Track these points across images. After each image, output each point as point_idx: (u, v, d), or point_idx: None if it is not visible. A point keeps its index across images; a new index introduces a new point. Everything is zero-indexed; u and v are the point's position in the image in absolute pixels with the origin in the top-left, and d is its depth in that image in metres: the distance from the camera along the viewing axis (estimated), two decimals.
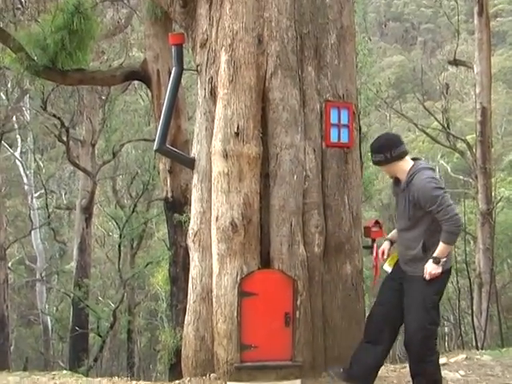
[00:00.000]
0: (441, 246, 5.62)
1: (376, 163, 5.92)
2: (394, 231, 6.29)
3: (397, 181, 5.96)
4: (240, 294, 6.00)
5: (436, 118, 24.10)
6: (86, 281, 20.74)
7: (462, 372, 6.67)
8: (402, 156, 5.79)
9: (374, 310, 6.12)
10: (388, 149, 5.76)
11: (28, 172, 27.62)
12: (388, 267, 6.17)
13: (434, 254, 5.63)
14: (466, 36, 34.55)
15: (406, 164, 5.80)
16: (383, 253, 6.21)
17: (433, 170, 6.02)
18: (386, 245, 6.25)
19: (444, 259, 5.66)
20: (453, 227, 5.57)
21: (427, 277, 5.67)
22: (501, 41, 56.42)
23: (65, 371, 7.86)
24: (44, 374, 7.09)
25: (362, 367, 5.98)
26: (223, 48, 6.26)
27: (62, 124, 20.17)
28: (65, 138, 20.33)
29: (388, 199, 38.82)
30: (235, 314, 6.04)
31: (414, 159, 5.93)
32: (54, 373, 7.20)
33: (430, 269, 5.65)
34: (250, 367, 6.04)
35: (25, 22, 14.24)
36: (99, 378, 6.75)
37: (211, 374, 6.30)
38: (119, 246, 22.38)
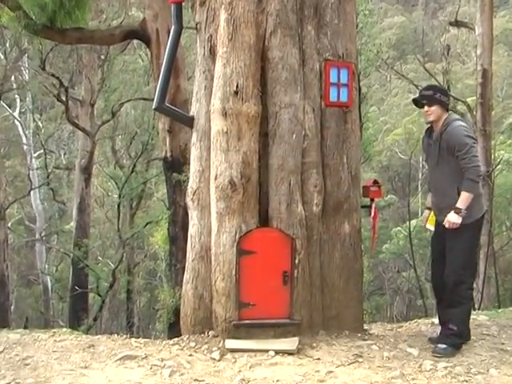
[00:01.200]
0: (462, 195, 6.01)
1: (439, 102, 6.26)
2: (429, 197, 6.55)
3: (430, 132, 6.41)
4: (238, 252, 6.03)
5: (437, 80, 23.98)
6: (85, 241, 20.76)
7: None
8: (447, 106, 6.34)
9: (434, 269, 6.60)
10: (444, 93, 6.38)
11: (27, 132, 27.49)
12: (430, 226, 6.58)
13: (457, 204, 5.91)
14: None
15: (445, 114, 6.28)
16: (425, 219, 6.72)
17: (465, 122, 6.38)
18: (426, 213, 6.79)
19: (465, 210, 5.99)
20: (474, 175, 5.96)
21: (447, 225, 6.05)
22: (503, 2, 55.85)
23: (64, 329, 7.92)
24: (44, 331, 7.13)
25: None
26: (223, 6, 6.21)
27: (61, 84, 20.03)
28: (64, 98, 20.20)
29: (387, 161, 38.87)
30: (234, 272, 6.07)
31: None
32: (53, 330, 7.24)
33: (451, 219, 6.03)
34: (249, 325, 6.09)
35: None
36: (98, 336, 6.80)
37: (210, 332, 6.35)
38: (118, 206, 22.37)
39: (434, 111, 6.24)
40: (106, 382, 5.06)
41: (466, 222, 6.02)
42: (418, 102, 6.42)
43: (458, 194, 6.00)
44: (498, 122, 34.03)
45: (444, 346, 6.06)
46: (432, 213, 6.48)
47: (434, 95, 6.25)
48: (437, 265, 6.45)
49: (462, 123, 6.19)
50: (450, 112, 6.46)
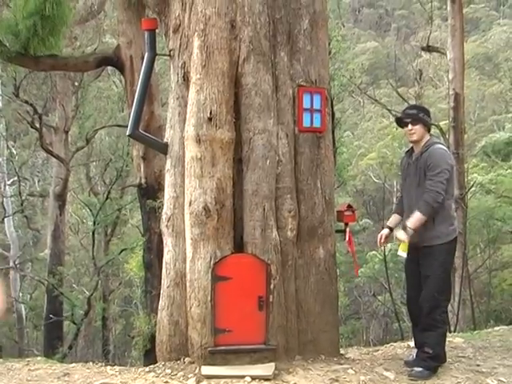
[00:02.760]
0: (414, 215, 6.05)
1: (423, 121, 6.35)
2: (392, 218, 6.64)
3: (410, 153, 6.48)
4: (214, 278, 6.03)
5: (409, 104, 24.22)
6: (60, 268, 20.57)
7: None
8: (429, 126, 6.47)
9: (409, 294, 6.63)
10: (427, 113, 6.45)
11: (0, 159, 27.33)
12: (403, 253, 6.45)
13: (407, 222, 6.06)
14: (439, 22, 34.68)
15: (427, 135, 6.38)
16: (381, 238, 6.64)
17: (445, 147, 6.50)
18: (385, 231, 6.67)
19: (411, 231, 6.05)
20: (430, 199, 6.00)
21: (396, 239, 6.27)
22: (474, 27, 56.72)
23: (39, 358, 7.87)
24: (18, 360, 7.09)
25: None
26: (196, 33, 6.26)
27: (35, 111, 19.97)
28: (38, 125, 20.12)
29: (362, 185, 39.07)
30: (209, 298, 6.07)
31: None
32: (28, 359, 7.21)
33: (398, 235, 6.26)
34: (224, 351, 6.07)
35: None
36: (73, 364, 6.76)
37: (185, 359, 6.32)
38: (93, 233, 22.25)
39: (417, 130, 6.31)
40: None
41: (438, 242, 6.08)
42: (400, 121, 6.49)
43: (433, 218, 6.07)
44: (471, 145, 34.35)
45: (420, 369, 6.09)
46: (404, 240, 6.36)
47: (418, 114, 6.35)
48: (411, 288, 6.49)
49: (444, 147, 6.34)
50: (431, 134, 6.54)
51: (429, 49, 22.31)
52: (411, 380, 5.98)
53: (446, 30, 20.51)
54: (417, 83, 25.91)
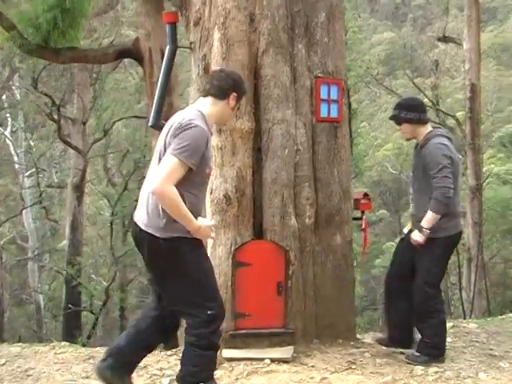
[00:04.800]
0: (427, 214, 5.99)
1: (407, 120, 6.23)
2: None
3: (417, 144, 6.36)
4: (234, 264, 6.20)
5: (426, 95, 24.29)
6: (78, 259, 20.81)
7: (448, 339, 6.87)
8: (427, 121, 6.34)
9: (390, 269, 6.63)
10: (412, 109, 6.23)
11: (19, 151, 27.57)
12: (405, 229, 6.71)
13: (421, 223, 5.96)
14: (456, 12, 34.53)
15: (427, 129, 6.24)
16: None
17: (449, 138, 6.31)
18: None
19: (427, 230, 5.98)
20: (441, 196, 5.91)
21: (412, 242, 6.11)
22: (491, 17, 56.38)
23: (63, 342, 8.07)
24: (43, 345, 7.30)
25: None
26: (216, 26, 6.42)
27: (53, 102, 20.17)
28: (56, 117, 20.34)
29: (378, 176, 39.10)
30: (229, 283, 6.24)
31: (434, 127, 6.46)
32: (53, 344, 7.41)
33: (413, 236, 6.12)
34: (245, 335, 6.23)
35: (16, 1, 14.25)
36: (98, 348, 6.97)
37: None
38: (111, 224, 22.48)
39: (404, 129, 6.29)
40: None
41: (435, 236, 6.02)
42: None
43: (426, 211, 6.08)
44: (488, 135, 34.30)
45: (418, 354, 6.17)
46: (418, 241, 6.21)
47: (399, 115, 6.25)
48: (395, 265, 6.53)
49: (443, 140, 6.12)
50: (436, 126, 6.56)
51: (445, 39, 22.40)
52: (409, 363, 6.07)
53: (463, 20, 20.55)
54: (433, 74, 25.92)
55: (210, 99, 4.92)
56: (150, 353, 5.16)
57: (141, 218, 4.76)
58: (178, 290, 4.81)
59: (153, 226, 4.67)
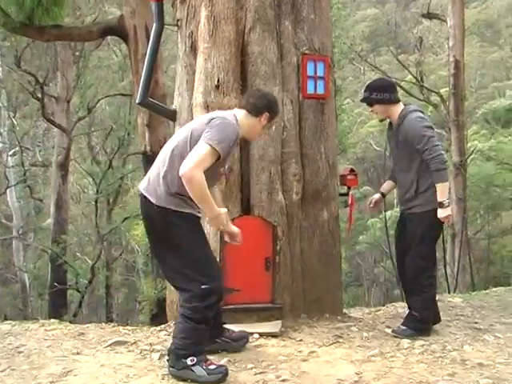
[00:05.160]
0: (437, 188, 6.04)
1: (378, 101, 6.26)
2: (386, 184, 6.74)
3: (390, 124, 6.42)
4: (222, 240, 6.24)
5: (410, 72, 24.36)
6: (63, 237, 20.79)
7: None
8: (399, 100, 6.32)
9: (397, 257, 6.68)
10: (382, 89, 6.26)
11: (2, 130, 27.40)
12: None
13: (438, 199, 6.04)
14: None
15: (399, 107, 6.27)
16: (371, 202, 6.76)
17: (422, 111, 6.34)
18: (376, 196, 6.80)
19: (447, 200, 6.04)
20: (438, 165, 5.98)
21: (445, 222, 6.16)
22: None
23: (52, 320, 8.09)
24: (33, 322, 7.31)
25: None
26: (203, 3, 6.43)
27: (37, 81, 20.08)
28: (39, 95, 20.25)
29: (362, 153, 39.24)
30: (218, 259, 6.28)
31: (405, 104, 6.42)
32: (42, 321, 7.43)
33: (440, 215, 6.07)
34: (233, 310, 6.29)
35: None
36: (87, 324, 6.99)
37: None
38: (96, 202, 22.43)
39: (376, 110, 6.33)
40: (98, 367, 5.24)
41: (420, 210, 6.16)
42: None
43: (416, 189, 6.15)
44: (472, 112, 34.47)
45: (405, 327, 6.23)
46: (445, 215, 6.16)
47: (369, 96, 6.28)
48: (400, 254, 6.58)
49: (418, 114, 6.17)
50: (407, 103, 6.58)
51: (429, 16, 22.45)
52: (395, 336, 6.14)
53: None
54: (417, 50, 25.95)
55: (244, 112, 5.17)
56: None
57: (144, 184, 5.07)
58: (172, 262, 4.99)
59: (151, 193, 4.95)
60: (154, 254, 5.29)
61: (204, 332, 5.02)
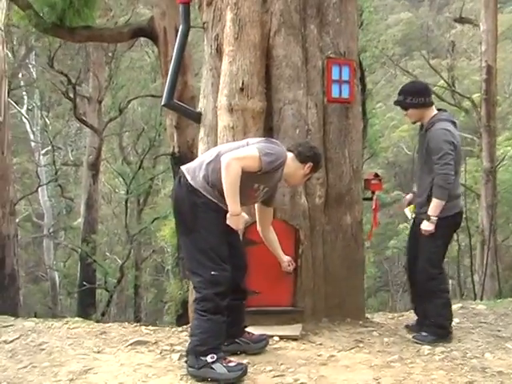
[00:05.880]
0: (432, 202, 6.07)
1: (412, 105, 6.27)
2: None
3: (422, 126, 6.41)
4: (245, 242, 6.23)
5: (441, 76, 24.19)
6: (93, 236, 21.00)
7: (456, 320, 6.96)
8: (432, 104, 6.31)
9: (407, 256, 6.76)
10: (416, 94, 6.24)
11: (35, 129, 27.74)
12: (409, 212, 6.65)
13: (428, 212, 6.03)
14: None
15: (432, 111, 6.27)
16: (406, 201, 6.75)
17: (454, 122, 6.31)
18: (409, 196, 6.79)
19: (435, 218, 6.05)
20: (442, 182, 5.99)
21: (424, 233, 6.15)
22: None
23: (76, 318, 8.18)
24: (57, 320, 7.39)
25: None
26: (229, 6, 6.45)
27: (69, 81, 20.32)
28: (71, 95, 20.49)
29: (394, 157, 39.01)
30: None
31: (439, 109, 6.41)
32: (66, 319, 7.50)
33: (423, 227, 6.16)
34: (254, 312, 6.28)
35: None
36: (110, 323, 7.05)
37: None
38: (126, 202, 22.63)
39: (410, 114, 6.35)
40: (118, 366, 5.30)
41: None
42: None
43: (427, 197, 6.15)
44: (505, 118, 34.13)
45: (425, 334, 6.21)
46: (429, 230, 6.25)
47: (404, 100, 6.30)
48: (410, 258, 6.60)
49: (447, 125, 6.14)
50: (441, 109, 6.55)
51: (461, 20, 22.31)
52: (416, 343, 6.12)
53: (480, 0, 20.40)
54: (449, 55, 25.78)
55: (292, 155, 5.40)
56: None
57: (186, 166, 5.32)
58: (189, 245, 5.18)
59: (190, 172, 5.18)
60: (178, 235, 5.52)
61: (221, 324, 5.08)
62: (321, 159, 5.60)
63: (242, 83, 6.32)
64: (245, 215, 5.19)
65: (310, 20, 6.62)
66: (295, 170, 5.39)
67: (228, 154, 4.96)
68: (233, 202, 4.95)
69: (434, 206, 6.06)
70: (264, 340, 5.71)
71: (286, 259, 6.01)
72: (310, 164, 5.40)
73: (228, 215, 5.03)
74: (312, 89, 6.60)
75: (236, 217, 5.01)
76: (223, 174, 4.88)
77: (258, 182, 5.13)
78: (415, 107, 6.27)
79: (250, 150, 5.00)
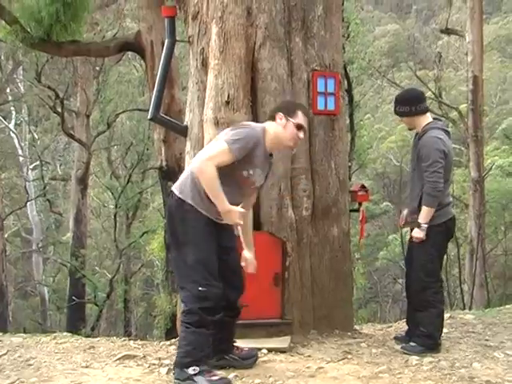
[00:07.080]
0: (422, 210, 6.11)
1: (400, 114, 6.35)
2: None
3: (416, 133, 6.42)
4: None
5: (428, 87, 24.26)
6: (82, 251, 20.93)
7: (445, 330, 6.95)
8: (424, 111, 6.30)
9: (406, 269, 6.79)
10: (408, 103, 6.27)
11: (23, 144, 27.70)
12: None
13: (418, 219, 6.06)
14: (460, 4, 34.48)
15: (425, 120, 6.28)
16: (402, 219, 6.59)
17: (447, 131, 6.35)
18: (406, 211, 6.61)
19: (425, 225, 6.08)
20: (430, 190, 6.03)
21: (415, 240, 6.18)
22: (496, 9, 56.30)
23: (65, 333, 8.15)
24: (45, 335, 7.36)
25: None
26: (214, 20, 6.48)
27: (57, 95, 20.29)
28: (59, 110, 20.44)
29: (382, 168, 39.12)
30: None
31: (435, 118, 6.45)
32: (54, 334, 7.48)
33: (413, 234, 6.21)
34: (242, 325, 6.26)
35: None
36: (98, 338, 7.05)
37: None
38: (115, 217, 22.57)
39: (405, 121, 6.42)
40: (106, 380, 5.27)
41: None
42: None
43: (418, 205, 6.17)
44: (492, 127, 34.31)
45: (414, 344, 6.21)
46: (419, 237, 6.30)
47: (395, 108, 6.39)
48: (407, 264, 6.66)
49: (439, 134, 6.15)
50: (436, 117, 6.60)
51: (447, 31, 22.40)
52: (405, 353, 6.12)
53: (466, 12, 20.54)
54: (436, 66, 25.89)
55: (267, 123, 5.31)
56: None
57: (176, 182, 5.24)
58: (178, 258, 5.17)
59: (177, 186, 5.14)
60: (168, 249, 5.50)
61: (205, 337, 5.05)
62: (291, 104, 5.54)
63: (228, 96, 6.35)
64: (239, 209, 5.07)
65: (295, 33, 6.65)
66: (275, 133, 5.18)
67: (198, 156, 5.03)
68: (220, 202, 4.91)
69: (424, 214, 6.09)
70: (253, 357, 5.68)
71: (247, 256, 5.54)
72: (280, 114, 5.20)
73: (222, 213, 5.00)
74: (297, 101, 6.59)
75: (228, 213, 4.96)
76: (200, 180, 4.88)
77: (243, 169, 5.05)
78: (404, 115, 6.33)
79: (218, 146, 4.94)
